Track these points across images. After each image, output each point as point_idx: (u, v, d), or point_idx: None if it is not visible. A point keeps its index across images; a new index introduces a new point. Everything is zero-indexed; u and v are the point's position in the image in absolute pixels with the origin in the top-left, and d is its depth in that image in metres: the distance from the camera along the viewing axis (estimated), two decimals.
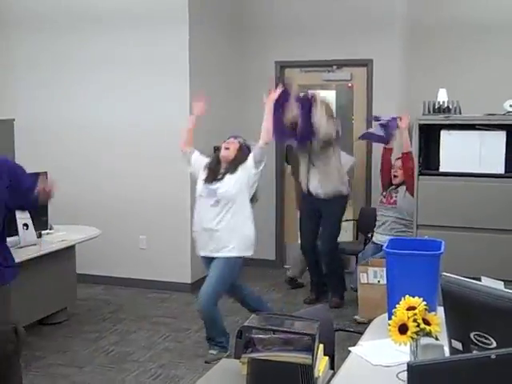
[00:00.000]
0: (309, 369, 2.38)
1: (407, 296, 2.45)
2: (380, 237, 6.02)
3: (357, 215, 7.13)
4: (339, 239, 6.34)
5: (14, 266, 3.89)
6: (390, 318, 2.48)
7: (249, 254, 4.99)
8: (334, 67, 7.40)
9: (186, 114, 6.53)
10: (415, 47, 7.19)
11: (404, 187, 6.01)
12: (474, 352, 2.11)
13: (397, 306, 2.45)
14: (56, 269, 5.53)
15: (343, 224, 6.59)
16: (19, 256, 4.83)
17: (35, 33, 6.94)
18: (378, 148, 6.65)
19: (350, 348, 2.82)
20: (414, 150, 5.85)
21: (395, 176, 6.11)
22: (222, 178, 4.86)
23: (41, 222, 5.37)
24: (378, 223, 6.15)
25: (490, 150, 5.54)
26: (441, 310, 2.35)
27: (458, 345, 2.22)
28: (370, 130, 6.54)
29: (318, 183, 6.10)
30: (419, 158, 5.79)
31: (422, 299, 2.42)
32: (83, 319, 5.85)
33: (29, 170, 5.41)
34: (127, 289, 6.67)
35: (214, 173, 4.91)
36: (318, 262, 6.33)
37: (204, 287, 4.85)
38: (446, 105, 5.87)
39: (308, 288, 6.53)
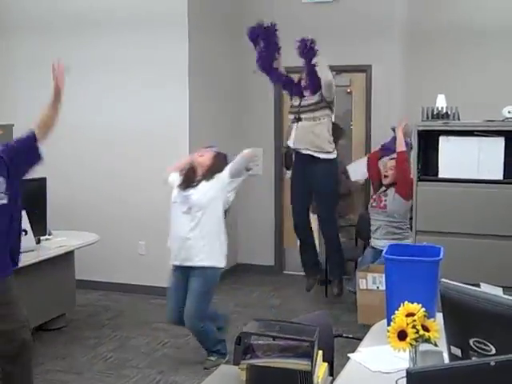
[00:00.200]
0: (308, 375, 2.37)
1: (406, 302, 2.45)
2: (377, 241, 6.00)
3: (355, 221, 7.13)
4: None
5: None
6: (389, 325, 2.47)
7: (221, 265, 4.84)
8: (333, 73, 7.40)
9: (185, 117, 6.57)
10: (414, 53, 7.20)
11: (393, 189, 5.93)
12: (474, 359, 2.10)
13: (396, 312, 2.44)
14: (55, 275, 5.52)
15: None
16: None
17: (34, 35, 6.95)
18: None
19: (349, 354, 2.82)
20: (413, 155, 5.85)
21: (385, 176, 6.03)
22: (196, 185, 4.78)
23: (39, 227, 5.37)
24: (372, 228, 6.11)
25: (488, 156, 5.54)
26: (440, 316, 2.35)
27: (457, 351, 2.21)
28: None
29: (300, 137, 6.03)
30: (418, 163, 5.79)
31: (421, 305, 2.42)
32: (82, 325, 5.84)
33: (29, 174, 5.45)
34: (126, 295, 6.67)
35: (189, 179, 4.81)
36: (312, 239, 6.30)
37: (187, 307, 4.75)
38: (444, 111, 5.88)
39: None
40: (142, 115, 6.67)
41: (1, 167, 3.71)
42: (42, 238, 5.44)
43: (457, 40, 7.03)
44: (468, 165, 5.60)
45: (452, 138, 5.69)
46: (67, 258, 5.66)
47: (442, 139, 5.72)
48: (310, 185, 6.14)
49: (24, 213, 5.02)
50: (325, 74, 5.99)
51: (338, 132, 6.57)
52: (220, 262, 4.82)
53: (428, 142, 5.79)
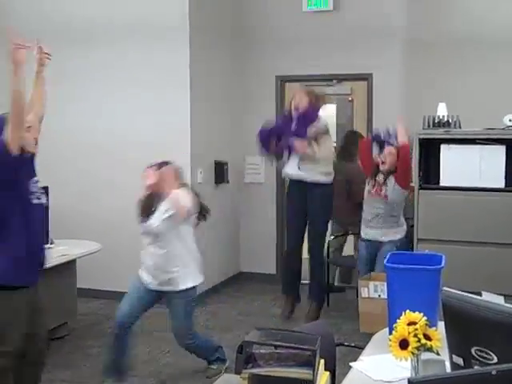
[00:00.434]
0: None
1: (408, 311, 2.45)
2: (372, 231, 5.82)
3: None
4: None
5: None
6: (390, 333, 2.47)
7: (199, 281, 4.73)
8: (335, 81, 7.43)
9: (186, 124, 6.58)
10: (415, 61, 7.22)
11: (392, 179, 5.75)
12: (476, 367, 2.10)
13: (397, 320, 2.44)
14: (57, 283, 5.52)
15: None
16: None
17: (35, 47, 6.96)
18: None
19: (350, 363, 2.81)
20: (414, 164, 5.86)
21: (383, 162, 5.77)
22: (153, 213, 4.54)
23: None
24: (367, 216, 5.84)
25: (489, 164, 5.56)
26: (442, 324, 2.35)
27: (459, 360, 2.21)
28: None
29: (303, 175, 6.04)
30: (419, 172, 5.81)
31: (422, 314, 2.42)
32: (84, 334, 5.83)
33: None
34: None
35: (146, 208, 4.61)
36: (300, 270, 6.28)
37: (176, 329, 4.70)
38: (445, 119, 5.90)
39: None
40: (143, 122, 6.69)
41: (34, 166, 3.66)
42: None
43: (457, 49, 7.05)
44: (469, 173, 5.62)
45: (453, 147, 5.70)
46: (69, 266, 5.67)
47: (443, 147, 5.74)
48: (307, 211, 6.14)
49: None
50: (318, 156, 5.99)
51: (357, 139, 6.59)
52: (197, 279, 4.70)
53: (429, 151, 5.81)
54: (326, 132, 6.12)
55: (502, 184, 5.55)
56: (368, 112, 7.24)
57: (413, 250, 5.71)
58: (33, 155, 3.66)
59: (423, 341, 2.36)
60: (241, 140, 7.54)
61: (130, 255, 6.78)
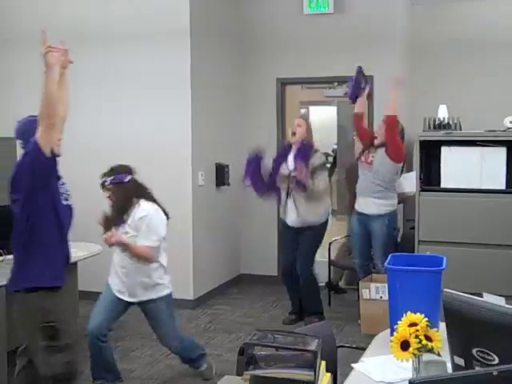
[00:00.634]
0: None
1: (409, 312, 2.45)
2: (360, 200, 5.88)
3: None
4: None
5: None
6: (392, 334, 2.48)
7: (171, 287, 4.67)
8: (335, 83, 7.45)
9: (187, 128, 6.58)
10: (415, 64, 7.23)
11: (383, 149, 5.81)
12: (477, 368, 2.10)
13: (398, 322, 2.45)
14: None
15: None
16: None
17: (36, 50, 6.92)
18: None
19: (352, 364, 2.82)
20: (415, 166, 5.87)
21: (376, 137, 5.92)
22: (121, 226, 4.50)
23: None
24: (358, 185, 5.97)
25: (490, 166, 5.56)
26: (443, 326, 2.35)
27: (460, 361, 2.21)
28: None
29: (294, 215, 6.00)
30: (420, 174, 5.81)
31: (423, 315, 2.43)
32: (85, 337, 5.82)
33: None
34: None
35: (107, 228, 4.57)
36: (297, 287, 6.23)
37: (164, 335, 4.62)
38: (446, 121, 5.91)
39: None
40: (144, 125, 6.70)
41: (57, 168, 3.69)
42: None
43: (457, 51, 7.07)
44: (470, 175, 5.62)
45: (454, 148, 5.71)
46: (70, 269, 5.64)
47: (444, 149, 5.74)
48: (298, 243, 6.12)
49: None
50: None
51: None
52: (170, 285, 4.65)
53: (430, 153, 5.81)
54: (322, 167, 6.05)
55: (502, 186, 5.55)
56: (368, 114, 7.24)
57: (414, 251, 5.71)
58: (58, 156, 3.67)
59: (424, 342, 2.37)
60: (242, 142, 7.55)
61: None
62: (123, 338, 5.80)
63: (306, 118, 6.35)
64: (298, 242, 6.09)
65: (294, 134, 6.03)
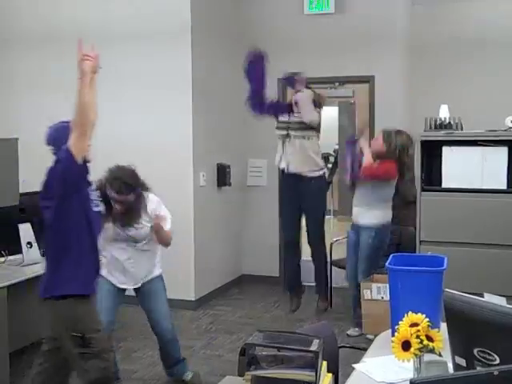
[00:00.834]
0: None
1: (410, 312, 2.45)
2: (353, 210, 5.79)
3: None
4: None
5: None
6: (393, 335, 2.48)
7: (161, 270, 4.77)
8: (337, 84, 7.45)
9: (188, 129, 6.58)
10: (417, 64, 7.23)
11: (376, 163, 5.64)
12: (478, 368, 2.10)
13: (400, 322, 2.45)
14: None
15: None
16: (23, 274, 4.85)
17: (36, 50, 6.99)
18: None
19: (353, 365, 2.82)
20: (417, 165, 5.87)
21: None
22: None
23: (44, 240, 5.37)
24: (355, 198, 5.83)
25: (492, 165, 5.56)
26: (444, 326, 2.35)
27: (461, 361, 2.22)
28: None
29: (297, 160, 6.15)
30: (421, 173, 5.81)
31: (424, 316, 2.43)
32: None
33: (33, 188, 5.46)
34: (131, 306, 6.61)
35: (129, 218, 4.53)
36: (299, 258, 6.40)
37: (162, 312, 4.68)
38: (447, 121, 5.91)
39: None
40: (145, 125, 6.69)
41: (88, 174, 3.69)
42: None
43: (458, 51, 7.06)
44: (471, 174, 5.62)
45: (455, 148, 5.71)
46: None
47: (445, 149, 5.74)
48: (301, 202, 6.24)
49: (29, 225, 5.06)
50: (308, 118, 6.12)
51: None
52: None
53: (431, 152, 5.82)
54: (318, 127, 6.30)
55: (504, 185, 5.55)
56: (370, 114, 7.24)
57: (415, 251, 5.71)
58: (89, 162, 3.67)
59: (425, 342, 2.37)
60: (243, 143, 7.56)
61: None
62: (125, 338, 5.80)
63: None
64: (302, 205, 6.20)
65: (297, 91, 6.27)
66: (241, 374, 2.47)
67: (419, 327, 2.38)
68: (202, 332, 6.01)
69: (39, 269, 5.05)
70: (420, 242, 5.79)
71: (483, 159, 5.58)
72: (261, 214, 7.61)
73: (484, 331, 2.12)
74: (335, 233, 7.74)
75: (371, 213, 5.58)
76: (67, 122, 3.60)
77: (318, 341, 2.51)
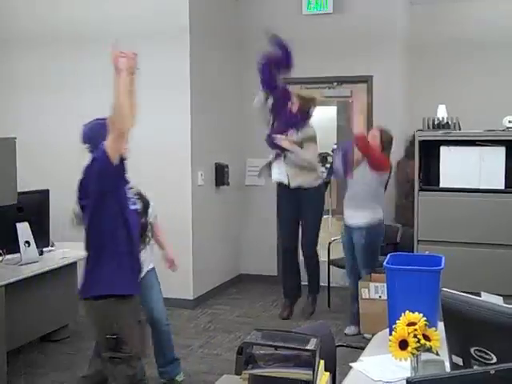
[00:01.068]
0: None
1: (407, 312, 2.46)
2: (345, 211, 5.81)
3: None
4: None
5: None
6: (390, 334, 2.48)
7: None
8: (335, 83, 7.44)
9: (187, 128, 6.58)
10: (415, 64, 7.24)
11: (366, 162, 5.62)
12: (475, 367, 2.11)
13: (397, 321, 2.45)
14: (57, 286, 5.53)
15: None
16: (21, 273, 4.85)
17: (35, 50, 6.99)
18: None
19: (351, 364, 2.82)
20: (414, 165, 5.87)
21: None
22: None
23: (42, 239, 5.38)
24: (345, 198, 5.86)
25: (489, 165, 5.57)
26: (441, 325, 2.36)
27: (458, 360, 2.22)
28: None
29: (294, 174, 6.14)
30: (419, 173, 5.82)
31: (422, 315, 2.43)
32: (85, 336, 5.82)
33: (31, 187, 5.46)
34: None
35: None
36: (298, 264, 6.40)
37: (159, 305, 4.72)
38: (445, 121, 5.91)
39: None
40: (144, 125, 6.61)
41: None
42: (44, 249, 5.45)
43: (457, 51, 7.07)
44: (469, 174, 5.63)
45: (453, 148, 5.72)
46: (70, 269, 5.67)
47: (443, 149, 5.75)
48: (300, 211, 6.24)
49: (26, 224, 5.06)
50: (301, 162, 6.13)
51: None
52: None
53: (429, 152, 5.82)
54: (312, 139, 6.22)
55: (501, 185, 5.56)
56: (368, 114, 7.24)
57: (412, 251, 5.72)
58: (126, 160, 3.64)
59: (422, 341, 2.37)
60: (241, 142, 7.56)
61: None
62: None
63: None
64: (300, 214, 6.20)
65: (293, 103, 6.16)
66: (238, 373, 2.48)
67: (416, 326, 2.38)
68: (200, 331, 6.01)
69: (37, 268, 5.07)
70: (418, 241, 5.80)
71: (481, 159, 5.58)
72: (259, 213, 7.61)
73: (481, 330, 2.12)
74: (333, 232, 7.74)
75: (360, 213, 5.59)
76: (103, 120, 3.56)
77: (315, 340, 2.52)
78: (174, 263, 4.74)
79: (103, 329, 3.45)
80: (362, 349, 3.06)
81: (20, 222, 5.04)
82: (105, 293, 3.41)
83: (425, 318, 2.42)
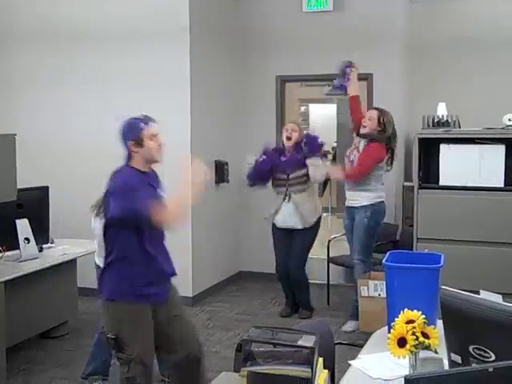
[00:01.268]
0: (308, 382, 2.38)
1: (406, 309, 2.46)
2: (347, 194, 5.83)
3: None
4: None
5: None
6: (389, 332, 2.49)
7: None
8: (335, 81, 7.43)
9: (187, 126, 6.58)
10: (415, 62, 7.23)
11: (365, 143, 5.66)
12: (474, 365, 2.11)
13: (396, 319, 2.46)
14: (57, 282, 5.54)
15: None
16: (20, 270, 4.86)
17: (35, 48, 6.98)
18: None
19: (349, 361, 2.83)
20: (414, 163, 5.87)
21: (364, 126, 5.70)
22: None
23: (42, 235, 5.38)
24: (347, 182, 5.91)
25: (489, 163, 5.58)
26: (440, 323, 2.36)
27: (457, 358, 2.23)
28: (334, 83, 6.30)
29: (290, 217, 6.15)
30: (419, 171, 5.82)
31: (421, 312, 2.43)
32: (84, 333, 5.83)
33: (30, 184, 5.46)
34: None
35: None
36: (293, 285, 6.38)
37: None
38: (445, 119, 5.92)
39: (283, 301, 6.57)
40: None
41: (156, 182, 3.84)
42: (44, 246, 5.45)
43: (456, 49, 7.07)
44: (469, 172, 5.63)
45: (453, 146, 5.72)
46: (69, 265, 5.68)
47: (442, 147, 5.75)
48: (295, 237, 6.24)
49: (26, 221, 5.06)
50: (317, 177, 6.14)
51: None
52: None
53: (429, 150, 5.83)
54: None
55: (501, 183, 5.56)
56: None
57: (412, 248, 5.72)
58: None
59: (421, 339, 2.37)
60: (241, 140, 7.55)
61: None
62: None
63: (297, 123, 6.49)
64: (294, 239, 6.19)
65: (289, 138, 6.07)
66: (237, 370, 2.48)
67: (415, 324, 2.39)
68: (199, 328, 5.97)
69: (36, 264, 5.07)
70: (417, 239, 5.80)
71: (480, 157, 5.59)
72: (258, 210, 7.59)
73: (480, 328, 2.13)
74: (333, 230, 7.74)
75: (364, 194, 5.60)
76: (135, 119, 3.80)
77: (314, 337, 2.52)
78: None
79: (106, 327, 3.55)
80: (361, 346, 3.06)
81: (19, 218, 5.04)
82: (111, 297, 3.51)
83: (424, 316, 2.42)
